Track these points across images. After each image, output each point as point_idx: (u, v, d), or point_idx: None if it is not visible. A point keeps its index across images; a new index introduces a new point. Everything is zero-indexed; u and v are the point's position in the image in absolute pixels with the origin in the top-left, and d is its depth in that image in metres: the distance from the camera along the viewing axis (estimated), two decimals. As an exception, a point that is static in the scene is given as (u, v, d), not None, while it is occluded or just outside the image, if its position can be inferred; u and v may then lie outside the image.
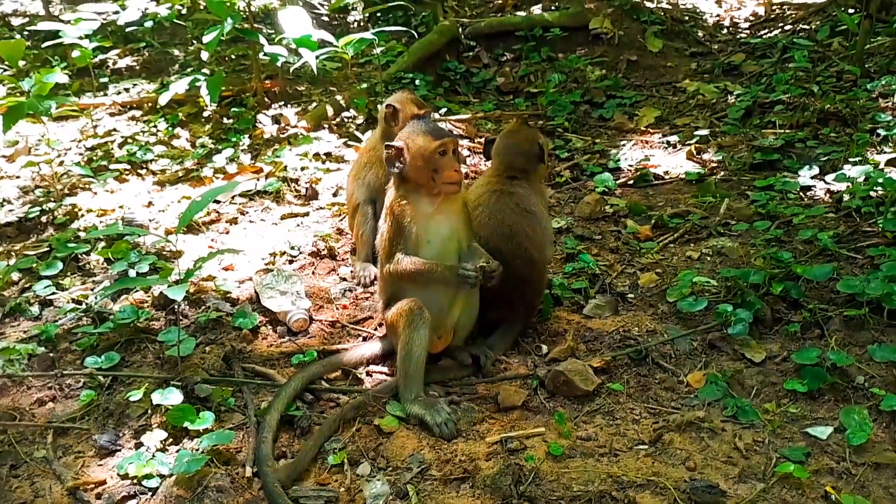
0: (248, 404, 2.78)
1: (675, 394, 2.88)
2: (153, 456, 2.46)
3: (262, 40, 5.74)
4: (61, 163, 5.52)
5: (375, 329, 3.36)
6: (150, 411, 2.73)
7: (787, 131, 5.37)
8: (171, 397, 2.64)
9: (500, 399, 2.82)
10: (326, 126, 6.00)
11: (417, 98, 3.90)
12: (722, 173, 5.04)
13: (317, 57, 5.36)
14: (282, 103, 6.44)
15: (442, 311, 2.92)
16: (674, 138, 5.75)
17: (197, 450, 2.50)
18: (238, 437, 2.64)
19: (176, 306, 2.74)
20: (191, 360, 3.00)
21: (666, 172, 5.20)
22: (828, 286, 3.32)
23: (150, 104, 6.57)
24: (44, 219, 4.70)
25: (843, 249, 3.63)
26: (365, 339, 3.31)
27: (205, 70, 6.50)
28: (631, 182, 5.08)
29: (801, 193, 4.46)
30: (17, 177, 5.34)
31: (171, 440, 2.60)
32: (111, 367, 2.99)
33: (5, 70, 6.56)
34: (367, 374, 3.05)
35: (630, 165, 5.33)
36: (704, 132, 5.62)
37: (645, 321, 3.34)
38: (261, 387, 2.92)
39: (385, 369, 3.06)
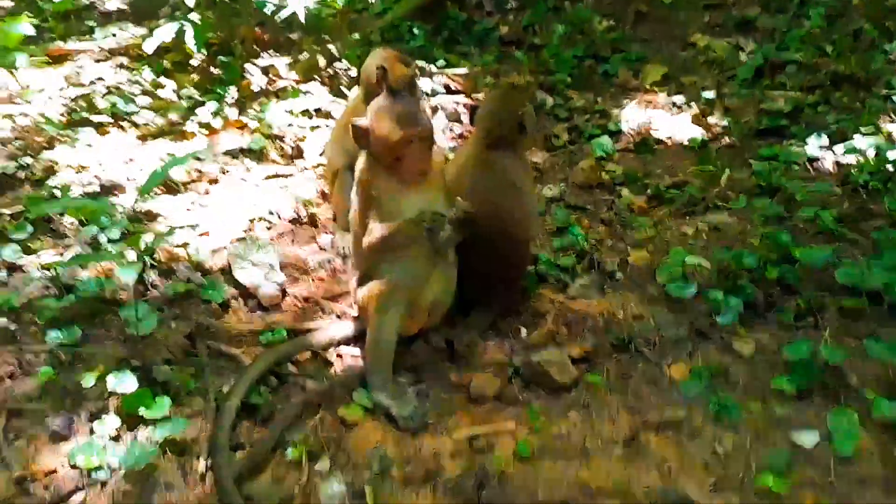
0: (208, 388, 2.67)
1: (656, 387, 2.75)
2: (104, 446, 2.36)
3: (252, -15, 5.47)
4: (42, 114, 5.33)
5: (351, 306, 3.22)
6: (106, 393, 2.61)
7: (797, 94, 5.11)
8: (126, 383, 2.53)
9: (472, 388, 2.70)
10: (318, 78, 5.76)
11: (402, 55, 3.68)
12: (726, 139, 4.82)
13: (305, 5, 5.10)
14: (272, 52, 6.19)
15: (417, 290, 2.78)
16: (679, 98, 5.50)
17: (150, 440, 2.40)
18: (196, 425, 2.53)
19: (131, 282, 2.58)
20: (153, 337, 2.88)
21: (668, 137, 4.98)
22: (826, 272, 3.15)
23: (136, 51, 6.32)
24: (21, 174, 4.54)
25: (846, 230, 3.45)
26: (339, 316, 3.18)
27: (193, 15, 6.22)
28: (631, 147, 4.87)
29: (807, 165, 4.25)
30: (-2, 127, 5.16)
31: (126, 427, 2.49)
32: (73, 343, 2.88)
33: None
34: (338, 356, 2.93)
35: (631, 128, 5.10)
36: (711, 94, 5.36)
37: (631, 304, 3.19)
38: (225, 368, 2.81)
39: (357, 351, 2.94)
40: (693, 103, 5.31)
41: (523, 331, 3.05)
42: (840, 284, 3.02)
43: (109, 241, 3.56)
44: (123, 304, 3.10)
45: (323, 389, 2.66)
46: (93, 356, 2.81)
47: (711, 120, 5.11)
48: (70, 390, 2.68)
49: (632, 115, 5.32)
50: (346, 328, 2.97)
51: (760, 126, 4.79)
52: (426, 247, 2.66)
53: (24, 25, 4.14)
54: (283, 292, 3.28)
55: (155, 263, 3.38)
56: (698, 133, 4.90)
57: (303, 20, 5.22)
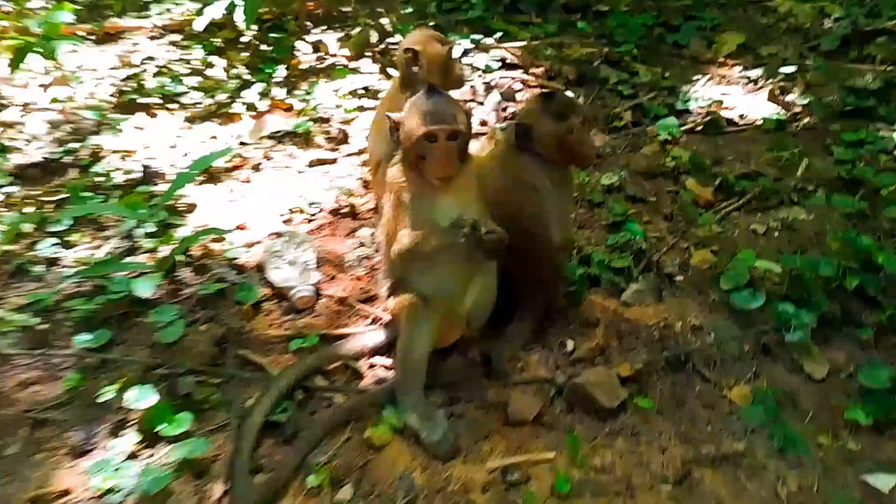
0: (233, 401, 2.55)
1: (714, 413, 2.49)
2: (119, 466, 2.27)
3: (302, -43, 5.27)
4: (93, 95, 5.31)
5: (386, 310, 3.05)
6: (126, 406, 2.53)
7: (887, 69, 4.63)
8: (145, 398, 2.43)
9: (510, 410, 2.50)
10: (370, 54, 5.55)
11: (438, 34, 3.41)
12: (806, 120, 4.40)
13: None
14: (324, 28, 6.00)
15: (453, 297, 2.58)
16: (756, 72, 5.07)
17: (166, 463, 2.30)
18: (217, 442, 2.42)
19: (147, 294, 2.45)
20: (182, 343, 2.78)
21: (741, 116, 4.59)
22: (915, 282, 2.81)
23: (189, 27, 6.24)
24: (68, 159, 4.52)
25: (940, 233, 3.07)
26: (374, 321, 3.01)
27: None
28: (699, 128, 4.50)
29: (895, 153, 3.83)
30: (50, 109, 5.17)
31: (145, 443, 2.40)
32: (101, 346, 2.81)
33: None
34: (370, 366, 2.77)
35: (701, 107, 4.72)
36: (791, 69, 4.91)
37: (691, 313, 2.92)
38: (251, 379, 2.68)
39: (389, 361, 2.77)
40: (771, 79, 4.87)
41: (569, 343, 2.82)
42: (931, 298, 2.68)
43: (146, 234, 3.48)
44: (158, 302, 3.02)
45: (351, 406, 2.51)
46: (119, 363, 2.72)
47: (790, 98, 4.69)
48: (94, 399, 2.60)
49: (703, 92, 4.93)
50: (379, 336, 2.81)
51: (845, 106, 4.35)
52: (461, 253, 2.45)
53: (65, 14, 4.06)
54: (318, 293, 3.13)
55: (189, 260, 3.28)
56: (774, 113, 4.49)
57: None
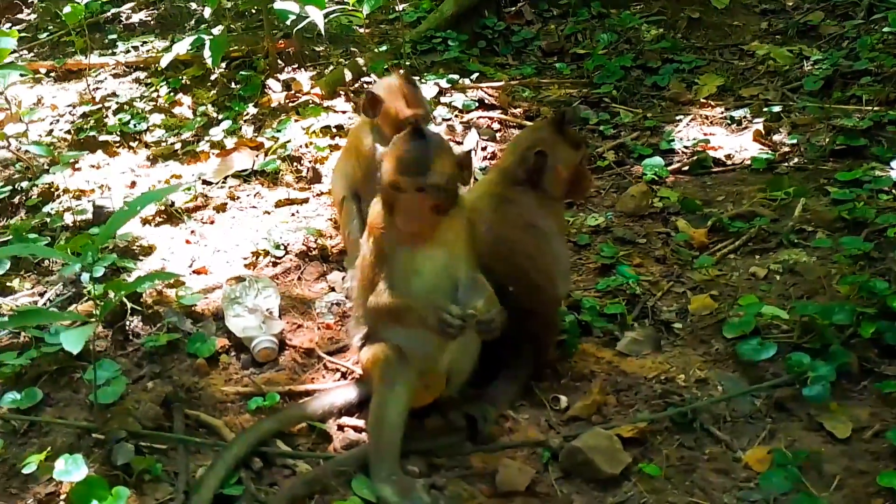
0: (179, 472, 2.22)
1: (729, 479, 2.21)
2: (42, 551, 1.92)
3: (272, -6, 5.07)
4: (50, 132, 5.02)
5: (357, 363, 2.75)
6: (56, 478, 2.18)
7: (875, 109, 4.51)
8: (75, 470, 2.08)
9: (498, 479, 2.20)
10: (343, 93, 5.33)
11: (412, 90, 3.19)
12: (796, 160, 4.25)
13: (325, 15, 4.68)
14: (295, 66, 5.78)
15: (431, 354, 2.30)
16: (739, 113, 4.93)
17: (97, 546, 1.96)
18: (160, 521, 2.08)
19: (74, 350, 2.11)
20: (123, 404, 2.45)
21: (728, 157, 4.42)
22: (936, 328, 2.58)
23: (155, 65, 5.99)
24: (16, 199, 4.21)
25: (955, 275, 2.86)
26: (344, 375, 2.71)
27: (218, 28, 5.87)
28: (686, 168, 4.32)
29: (895, 192, 3.66)
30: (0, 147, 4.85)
31: (74, 523, 2.05)
32: (31, 407, 2.46)
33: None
34: (339, 427, 2.46)
35: (686, 147, 4.55)
36: (776, 108, 4.78)
37: (694, 365, 2.66)
38: (203, 445, 2.35)
39: (361, 422, 2.46)
40: (755, 119, 4.73)
41: (563, 399, 2.53)
42: (955, 346, 2.45)
43: (92, 279, 3.15)
44: (101, 355, 2.68)
45: (315, 475, 2.19)
46: (50, 426, 2.38)
47: (777, 138, 4.54)
48: (19, 469, 2.25)
49: (686, 132, 4.77)
50: (350, 393, 2.50)
51: (835, 146, 4.20)
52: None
53: (9, 41, 3.78)
54: (282, 344, 2.83)
55: (139, 308, 2.95)
56: (763, 152, 4.33)
57: (322, 31, 4.77)
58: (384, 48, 5.85)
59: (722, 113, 5.01)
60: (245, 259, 3.45)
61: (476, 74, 5.63)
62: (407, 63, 5.71)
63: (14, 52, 4.63)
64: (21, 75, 4.26)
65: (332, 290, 3.24)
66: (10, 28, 7.16)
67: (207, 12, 5.61)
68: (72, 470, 2.08)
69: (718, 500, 2.14)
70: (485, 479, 2.23)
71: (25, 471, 2.15)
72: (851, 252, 3.08)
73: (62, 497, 2.14)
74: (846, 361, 2.46)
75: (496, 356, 2.50)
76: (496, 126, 4.89)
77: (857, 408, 2.39)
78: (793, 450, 2.23)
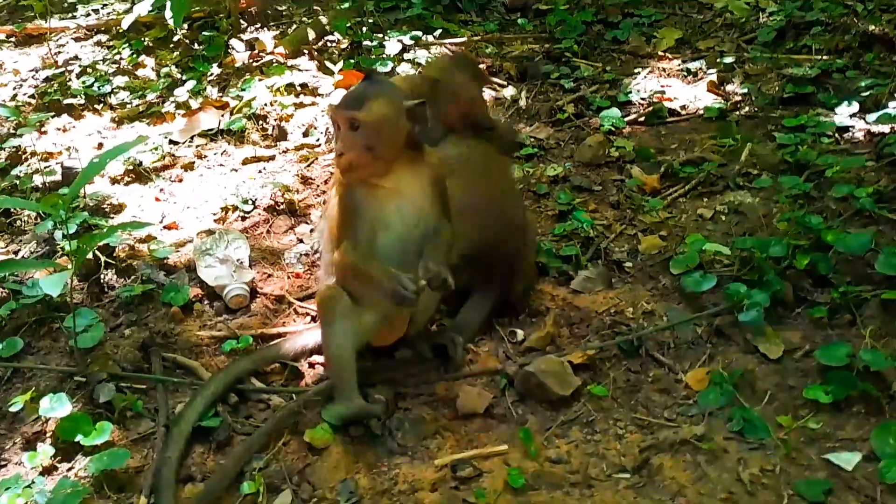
0: (159, 408, 2.35)
1: (670, 398, 2.40)
2: (32, 481, 2.06)
3: (231, -48, 5.08)
4: (14, 97, 5.01)
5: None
6: (43, 417, 2.31)
7: (823, 58, 4.67)
8: (60, 407, 2.21)
9: (459, 403, 2.36)
10: (307, 52, 5.37)
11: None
12: (747, 108, 4.40)
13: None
14: (258, 26, 5.80)
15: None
16: (695, 65, 5.06)
17: (84, 477, 2.09)
18: (142, 453, 2.22)
19: (54, 293, 2.22)
20: (102, 349, 2.57)
21: (683, 107, 4.56)
22: (864, 259, 2.77)
23: (117, 27, 5.96)
24: (-16, 163, 4.24)
25: (885, 211, 3.05)
26: (314, 319, 2.85)
27: (177, -12, 5.84)
28: (642, 119, 4.46)
29: (836, 136, 3.84)
30: (-35, 112, 4.84)
31: (61, 457, 2.18)
32: (13, 356, 2.58)
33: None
34: (310, 365, 2.60)
35: (643, 99, 4.69)
36: (729, 59, 4.93)
37: (642, 299, 2.83)
38: (181, 384, 2.49)
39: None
40: (710, 70, 4.88)
41: (519, 333, 2.70)
42: (881, 275, 2.64)
43: (64, 236, 3.24)
44: (78, 306, 2.79)
45: (288, 411, 2.33)
46: (33, 372, 2.50)
47: (730, 88, 4.69)
48: (5, 412, 2.37)
49: (644, 84, 4.90)
50: (319, 334, 2.63)
51: (784, 94, 4.36)
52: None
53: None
54: (254, 292, 2.95)
55: (113, 262, 3.06)
56: (715, 102, 4.49)
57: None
58: (346, 6, 5.88)
59: (679, 65, 5.13)
60: (214, 214, 3.55)
61: (439, 31, 5.68)
62: (370, 21, 5.75)
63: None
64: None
65: (301, 241, 3.35)
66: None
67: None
68: (56, 407, 2.22)
69: (659, 415, 2.33)
70: (447, 404, 2.39)
71: (12, 409, 2.28)
72: (792, 192, 3.27)
73: (48, 434, 2.27)
74: (780, 289, 2.65)
75: (463, 283, 2.61)
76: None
77: (789, 331, 2.58)
78: (729, 370, 2.42)
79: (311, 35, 5.48)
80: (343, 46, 5.45)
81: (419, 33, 5.51)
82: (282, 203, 3.60)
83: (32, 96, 4.97)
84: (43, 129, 4.50)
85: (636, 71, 5.12)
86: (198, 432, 2.26)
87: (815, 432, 2.20)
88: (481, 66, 2.88)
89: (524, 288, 2.88)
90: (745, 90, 4.57)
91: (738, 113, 4.35)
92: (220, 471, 2.13)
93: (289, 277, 3.11)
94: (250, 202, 3.58)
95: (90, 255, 3.01)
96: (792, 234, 2.92)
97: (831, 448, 2.14)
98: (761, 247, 2.78)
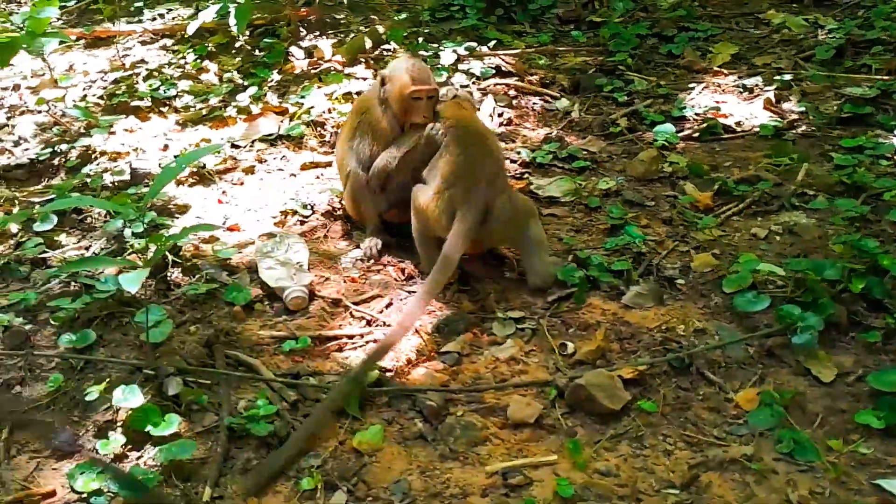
0: (222, 403, 2.46)
1: (720, 416, 2.42)
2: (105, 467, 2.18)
3: (295, -37, 5.22)
4: (84, 97, 5.23)
5: (381, 311, 2.98)
6: (114, 407, 2.43)
7: (883, 78, 4.62)
8: (132, 398, 2.33)
9: (509, 412, 2.42)
10: (363, 61, 5.50)
11: (419, 67, 3.36)
12: (803, 127, 4.38)
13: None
14: (317, 34, 5.95)
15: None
16: (751, 81, 5.04)
17: (153, 465, 2.20)
18: (206, 445, 2.33)
19: (133, 290, 2.36)
20: (170, 345, 2.69)
21: (738, 124, 4.55)
22: (921, 285, 2.76)
23: (181, 32, 6.18)
24: (56, 161, 4.44)
25: (944, 236, 3.03)
26: (369, 322, 2.94)
27: (241, -5, 6.03)
28: (696, 135, 4.47)
29: (895, 158, 3.80)
30: (39, 111, 5.07)
31: (131, 446, 2.31)
32: (85, 347, 2.71)
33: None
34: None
35: (697, 114, 4.69)
36: (787, 76, 4.90)
37: (693, 317, 2.85)
38: (242, 380, 2.59)
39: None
40: (767, 87, 4.85)
41: (569, 345, 2.75)
42: (938, 300, 2.63)
43: (134, 234, 3.40)
44: (146, 302, 2.92)
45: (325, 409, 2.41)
46: (104, 364, 2.63)
47: (786, 106, 4.67)
48: (79, 400, 2.51)
49: (698, 100, 4.90)
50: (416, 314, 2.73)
51: (842, 114, 4.33)
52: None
53: (51, 10, 3.98)
54: (312, 294, 3.05)
55: (179, 261, 3.19)
56: (771, 120, 4.47)
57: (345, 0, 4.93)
58: (403, 16, 6.00)
59: (734, 81, 5.12)
60: (274, 218, 3.66)
61: (493, 42, 5.75)
62: (425, 31, 5.86)
63: (47, 19, 4.82)
64: (60, 43, 4.45)
65: (357, 246, 3.44)
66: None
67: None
68: (129, 397, 2.34)
69: (709, 433, 2.35)
70: (496, 412, 2.45)
71: (88, 398, 2.41)
72: (848, 214, 3.25)
73: (119, 423, 2.39)
74: (833, 313, 2.65)
75: None
76: (512, 93, 5.03)
77: (842, 355, 2.58)
78: (780, 391, 2.43)
79: (368, 44, 5.61)
80: (398, 56, 5.55)
81: (473, 44, 5.59)
82: (338, 209, 3.70)
83: (101, 97, 5.17)
84: (112, 130, 4.69)
85: (690, 86, 5.12)
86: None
87: (866, 457, 2.20)
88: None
89: (576, 301, 2.93)
90: (802, 108, 4.54)
91: (794, 132, 4.33)
92: (271, 459, 2.23)
93: (345, 281, 3.20)
94: (309, 207, 3.69)
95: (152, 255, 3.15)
96: (847, 257, 2.91)
97: (882, 474, 2.14)
98: (816, 269, 2.78)
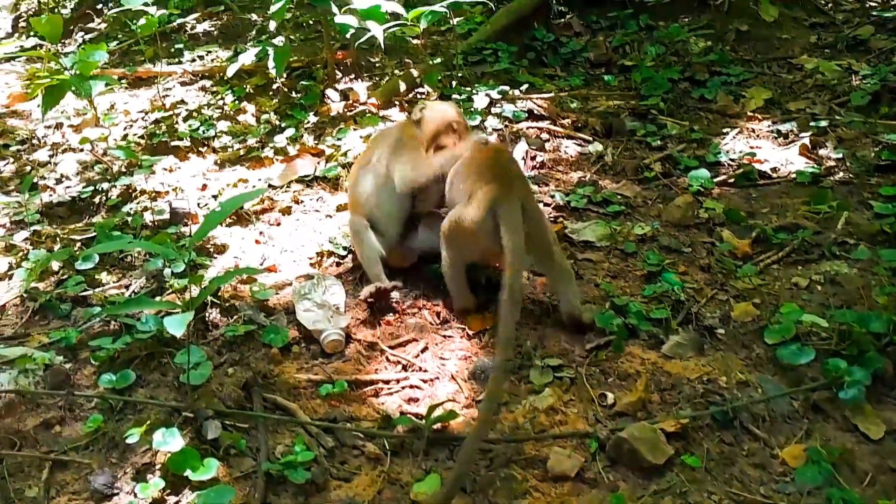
0: (260, 447, 2.46)
1: (766, 472, 2.37)
2: (144, 512, 2.18)
3: (334, 8, 5.33)
4: (125, 136, 5.35)
5: (417, 356, 2.97)
6: (154, 449, 2.43)
7: (921, 125, 4.60)
8: (172, 441, 2.34)
9: (549, 464, 2.39)
10: (398, 103, 5.58)
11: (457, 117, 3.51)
12: (841, 174, 4.34)
13: (385, 30, 4.92)
14: (353, 76, 6.06)
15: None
16: (786, 127, 5.02)
17: (192, 510, 2.20)
18: (244, 490, 2.32)
19: (178, 334, 2.38)
20: (208, 386, 2.70)
21: (774, 170, 4.53)
22: (971, 339, 2.70)
23: (220, 73, 6.32)
24: (97, 199, 4.53)
25: None
26: (405, 367, 2.93)
27: (279, 39, 6.18)
28: (731, 180, 4.45)
29: (938, 207, 3.75)
30: (81, 150, 5.19)
31: (170, 490, 2.30)
32: (125, 388, 2.73)
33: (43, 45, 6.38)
34: (401, 413, 2.67)
35: (732, 159, 4.67)
36: (823, 122, 4.87)
37: (736, 368, 2.81)
38: (280, 423, 2.59)
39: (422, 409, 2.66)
40: (802, 133, 4.83)
41: (610, 396, 2.71)
42: None
43: (174, 274, 3.44)
44: (184, 344, 2.94)
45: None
46: (144, 405, 2.64)
47: (823, 152, 4.64)
48: (118, 441, 2.52)
49: (732, 145, 4.89)
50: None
51: (880, 161, 4.29)
52: None
53: (101, 53, 4.10)
54: (348, 337, 3.05)
55: (217, 301, 3.22)
56: (808, 166, 4.44)
57: (382, 44, 5.02)
58: (437, 60, 6.08)
59: (769, 126, 5.11)
60: (311, 259, 3.69)
61: (525, 85, 5.81)
62: (458, 74, 5.93)
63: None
64: (106, 85, 4.57)
65: (396, 287, 3.44)
66: (82, 37, 7.63)
67: (272, 24, 5.90)
68: (169, 441, 2.34)
69: (755, 491, 2.30)
70: (536, 464, 2.42)
71: (129, 441, 2.41)
72: (891, 264, 3.20)
73: (157, 466, 2.39)
74: (881, 367, 2.59)
75: None
76: (545, 136, 5.06)
77: (890, 411, 2.52)
78: (827, 448, 2.37)
79: (403, 87, 5.69)
80: (433, 98, 5.63)
81: (506, 87, 5.64)
82: (374, 251, 3.71)
83: (142, 136, 5.28)
84: (152, 169, 4.78)
85: (724, 131, 5.11)
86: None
87: (920, 519, 2.13)
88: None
89: (614, 349, 2.91)
90: (839, 155, 4.51)
91: (831, 178, 4.29)
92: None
93: (380, 325, 3.20)
94: (344, 248, 3.72)
95: (196, 294, 3.18)
96: (892, 309, 2.86)
97: (938, 538, 2.07)
98: (861, 321, 2.73)
